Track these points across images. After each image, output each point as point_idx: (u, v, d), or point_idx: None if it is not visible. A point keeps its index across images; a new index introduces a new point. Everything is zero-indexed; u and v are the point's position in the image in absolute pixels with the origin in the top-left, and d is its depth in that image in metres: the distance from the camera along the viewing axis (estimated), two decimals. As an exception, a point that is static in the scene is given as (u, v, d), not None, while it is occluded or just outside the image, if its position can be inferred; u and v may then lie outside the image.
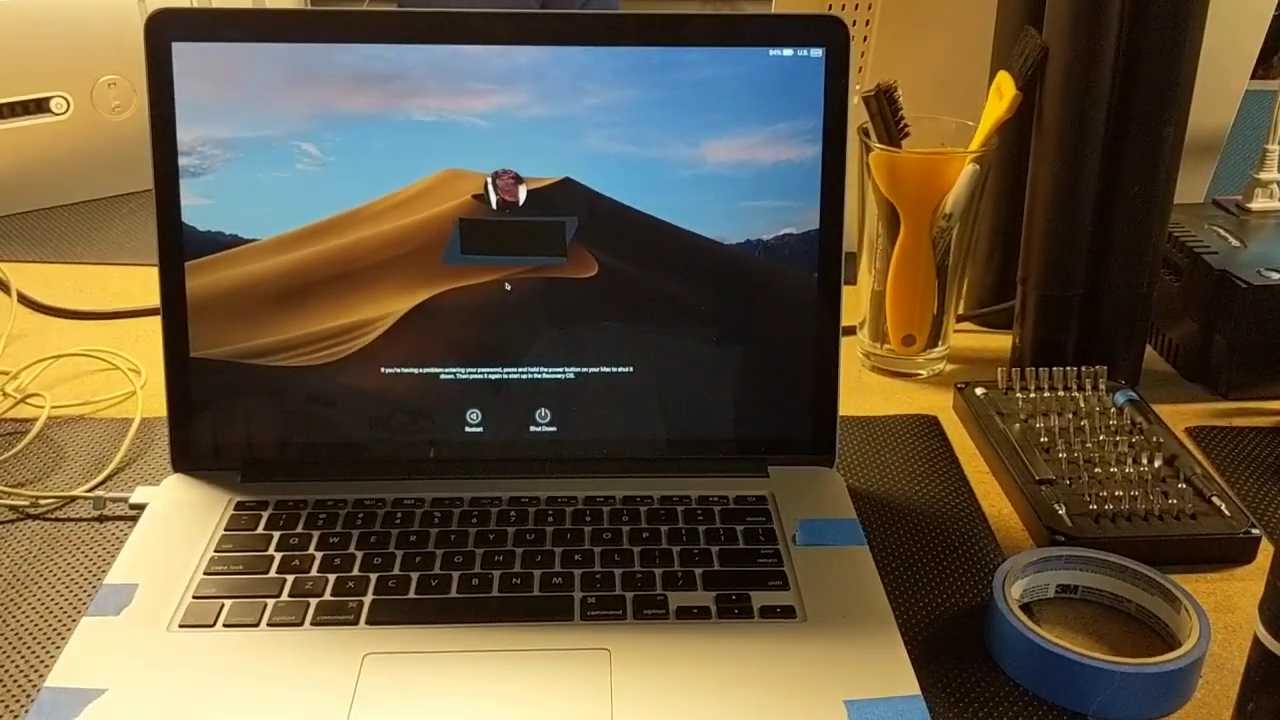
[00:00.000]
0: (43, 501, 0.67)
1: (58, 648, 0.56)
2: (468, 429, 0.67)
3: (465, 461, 0.67)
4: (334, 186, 0.65)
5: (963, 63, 0.86)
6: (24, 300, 0.89)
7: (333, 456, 0.66)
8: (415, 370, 0.66)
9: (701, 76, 0.65)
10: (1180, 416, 0.77)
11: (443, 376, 0.66)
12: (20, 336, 0.85)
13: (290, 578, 0.59)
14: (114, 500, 0.66)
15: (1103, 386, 0.75)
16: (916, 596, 0.61)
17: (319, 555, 0.60)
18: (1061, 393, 0.75)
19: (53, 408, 0.75)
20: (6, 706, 0.53)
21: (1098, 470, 0.67)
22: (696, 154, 0.65)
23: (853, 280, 0.84)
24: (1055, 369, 0.76)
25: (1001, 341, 0.86)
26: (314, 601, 0.57)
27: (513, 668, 0.53)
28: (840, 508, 0.65)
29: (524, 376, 0.67)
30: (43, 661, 0.55)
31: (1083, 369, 0.76)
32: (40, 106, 1.04)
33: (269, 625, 0.56)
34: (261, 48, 0.63)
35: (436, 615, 0.57)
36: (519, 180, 0.65)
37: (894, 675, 0.53)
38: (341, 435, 0.66)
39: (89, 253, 1.00)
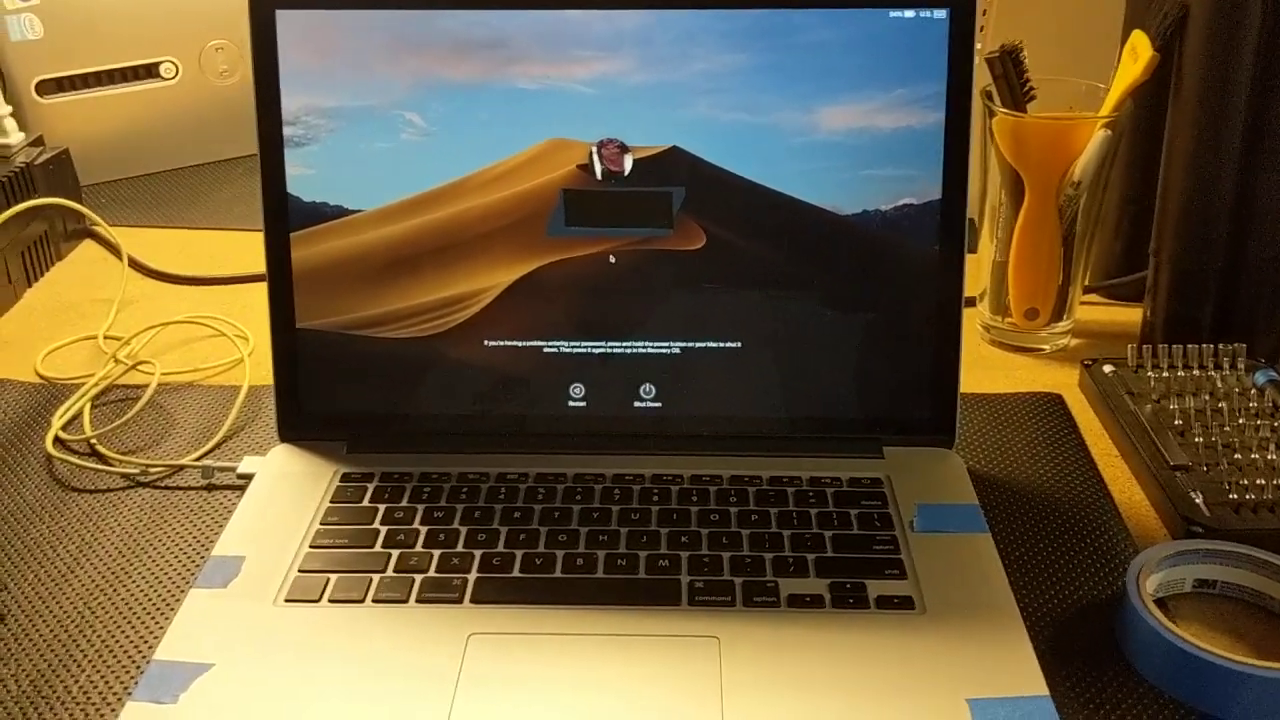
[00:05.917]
0: (152, 470, 0.67)
1: (166, 618, 0.56)
2: (571, 403, 0.65)
3: (568, 436, 0.66)
4: (438, 157, 0.63)
5: (1093, 21, 0.81)
6: (135, 265, 0.90)
7: (436, 429, 0.66)
8: (519, 343, 0.65)
9: (816, 40, 0.62)
10: (1326, 398, 0.72)
11: (546, 350, 0.65)
12: (131, 302, 0.86)
13: (395, 552, 0.58)
14: (221, 469, 0.66)
15: (1242, 365, 0.71)
16: (1042, 588, 0.58)
17: (423, 530, 0.60)
18: (1197, 371, 0.71)
19: (162, 374, 0.76)
20: (117, 677, 0.53)
21: (1238, 456, 0.63)
22: (810, 121, 0.62)
23: (974, 249, 0.80)
24: (1190, 346, 0.71)
25: (1130, 315, 0.81)
26: (419, 578, 0.56)
27: (620, 653, 0.52)
28: (960, 492, 0.62)
29: (629, 351, 0.65)
30: (152, 633, 0.56)
31: (1220, 346, 0.71)
32: (150, 72, 1.05)
33: (374, 601, 0.55)
34: (365, 15, 0.62)
35: (541, 595, 0.55)
36: (625, 149, 0.63)
37: (1020, 673, 0.50)
38: (445, 408, 0.65)
39: (198, 217, 1.01)
